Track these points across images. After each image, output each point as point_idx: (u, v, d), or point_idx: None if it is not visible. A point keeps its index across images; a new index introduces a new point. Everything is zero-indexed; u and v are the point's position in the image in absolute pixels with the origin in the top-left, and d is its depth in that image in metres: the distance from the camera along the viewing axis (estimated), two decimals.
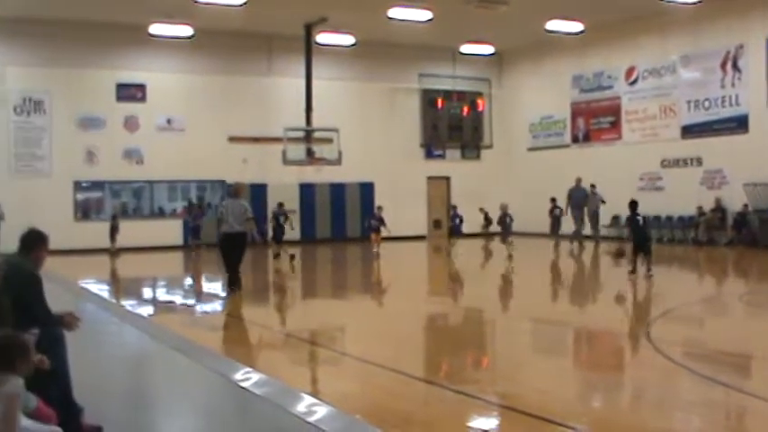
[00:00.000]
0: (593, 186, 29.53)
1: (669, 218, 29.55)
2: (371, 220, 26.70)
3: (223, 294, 16.73)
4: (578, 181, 28.15)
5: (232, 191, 17.33)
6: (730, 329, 12.12)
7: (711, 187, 28.04)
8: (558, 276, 21.36)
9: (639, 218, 18.46)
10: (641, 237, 18.25)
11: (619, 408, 7.72)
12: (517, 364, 9.86)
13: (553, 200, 29.36)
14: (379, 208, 27.55)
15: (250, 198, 29.49)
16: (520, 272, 21.93)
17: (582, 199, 27.81)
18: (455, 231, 27.25)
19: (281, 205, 27.27)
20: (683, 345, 10.77)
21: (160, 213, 31.31)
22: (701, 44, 28.34)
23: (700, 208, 28.12)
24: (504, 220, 26.09)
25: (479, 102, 36.61)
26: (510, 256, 23.62)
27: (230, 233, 16.14)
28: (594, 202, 29.23)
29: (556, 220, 29.05)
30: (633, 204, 18.56)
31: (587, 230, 28.97)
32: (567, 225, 29.03)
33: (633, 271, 18.06)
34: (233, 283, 16.43)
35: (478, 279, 21.14)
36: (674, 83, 29.35)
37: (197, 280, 21.52)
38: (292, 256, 24.15)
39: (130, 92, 30.81)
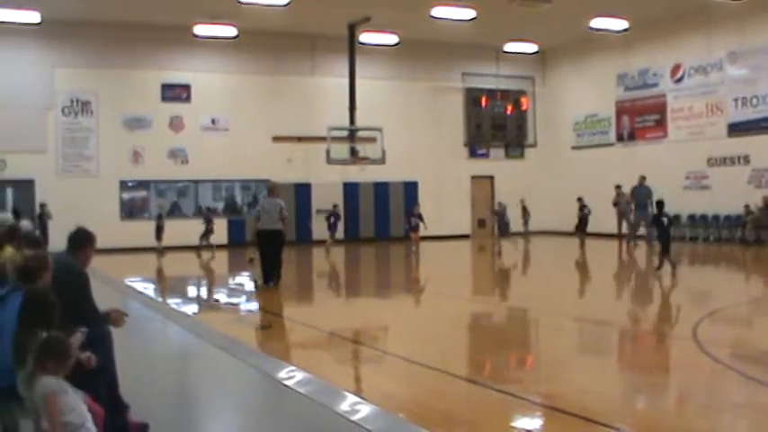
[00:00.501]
0: (618, 187, 29.16)
1: (716, 217, 29.20)
2: (411, 218, 26.74)
3: (264, 287, 17.10)
4: (642, 179, 27.29)
5: (268, 190, 18.12)
6: None
7: (759, 186, 27.64)
8: (601, 276, 21.13)
9: (664, 218, 18.64)
10: (663, 236, 18.46)
11: (664, 409, 7.61)
12: (560, 363, 9.76)
13: (580, 199, 29.89)
14: (417, 204, 27.48)
15: (294, 197, 30.02)
16: (561, 270, 21.85)
17: (646, 198, 26.85)
18: (502, 230, 27.44)
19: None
20: (731, 346, 10.59)
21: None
22: (748, 41, 27.92)
23: (747, 207, 27.72)
24: (502, 219, 26.12)
25: (523, 100, 36.66)
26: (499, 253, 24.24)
27: (265, 230, 17.05)
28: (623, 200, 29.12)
29: (584, 220, 29.46)
30: (660, 204, 19.01)
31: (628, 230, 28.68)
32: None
33: (659, 267, 18.34)
34: (269, 278, 17.21)
35: (522, 278, 21.10)
36: (721, 80, 28.96)
37: (210, 281, 21.64)
38: (251, 260, 23.80)
39: (175, 92, 31.12)
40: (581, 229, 29.44)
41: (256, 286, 17.94)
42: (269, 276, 17.30)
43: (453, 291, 17.80)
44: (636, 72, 32.38)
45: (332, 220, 29.01)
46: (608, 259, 25.29)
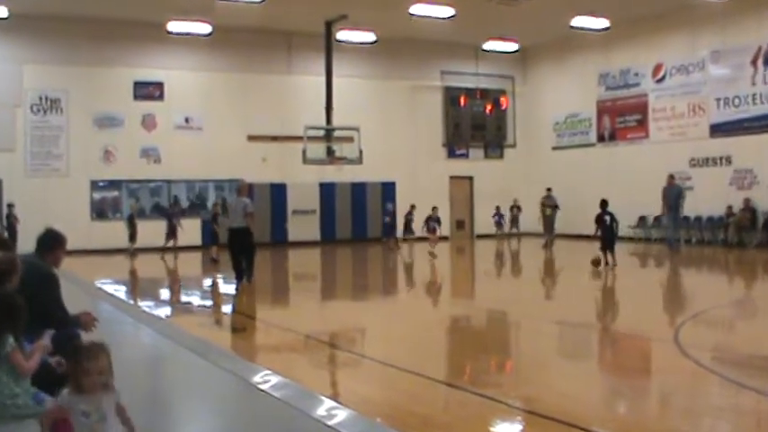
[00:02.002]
0: (548, 189, 30.84)
1: (698, 218, 29.33)
2: (429, 221, 27.19)
3: (235, 291, 17.46)
4: (671, 179, 26.79)
5: (237, 189, 18.76)
6: (761, 333, 11.96)
7: (741, 187, 27.78)
8: (589, 278, 21.15)
9: (607, 217, 20.64)
10: (607, 234, 20.51)
11: (645, 413, 7.61)
12: (540, 366, 9.78)
13: (515, 200, 33.71)
14: (435, 208, 27.73)
15: (270, 198, 30.67)
16: (541, 272, 21.85)
17: (676, 199, 26.25)
18: (387, 232, 29.08)
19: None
20: (712, 349, 10.61)
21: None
22: (731, 40, 28.06)
23: (729, 208, 27.86)
24: (384, 221, 27.07)
25: (503, 100, 36.85)
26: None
27: (232, 228, 17.94)
28: (551, 202, 30.57)
29: (514, 220, 33.58)
30: (604, 203, 20.87)
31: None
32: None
33: (598, 263, 20.27)
34: (240, 276, 17.96)
35: (503, 280, 21.24)
36: (703, 80, 29.10)
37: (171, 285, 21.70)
38: (213, 260, 24.53)
39: (148, 90, 30.98)
40: (509, 229, 32.55)
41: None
42: (240, 274, 17.98)
43: (431, 293, 17.94)
44: (617, 71, 32.53)
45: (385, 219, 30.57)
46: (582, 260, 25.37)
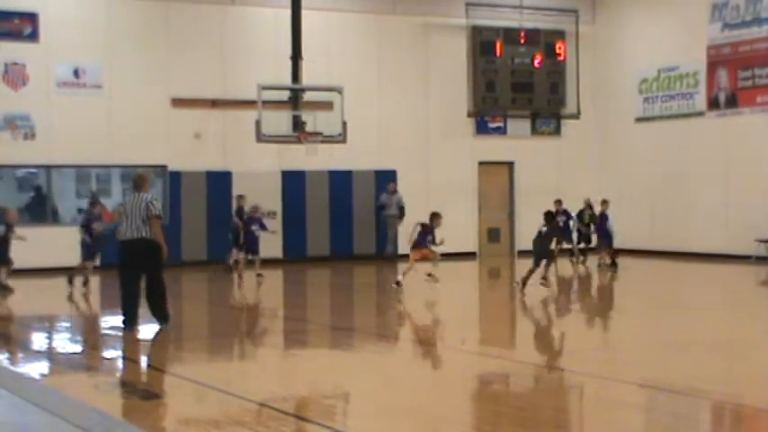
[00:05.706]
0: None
1: None
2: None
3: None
4: None
5: (134, 182, 18.75)
6: None
7: None
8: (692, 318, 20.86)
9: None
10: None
11: None
12: None
13: (558, 202, 31.75)
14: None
15: (206, 193, 32.55)
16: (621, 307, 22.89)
17: None
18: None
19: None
20: None
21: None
22: None
23: None
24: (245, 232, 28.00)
25: (560, 46, 37.11)
26: None
27: (127, 241, 17.74)
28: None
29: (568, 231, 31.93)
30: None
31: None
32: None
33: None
34: (132, 317, 17.73)
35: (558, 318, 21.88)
36: None
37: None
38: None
39: (13, 25, 30.62)
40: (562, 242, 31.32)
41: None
42: (131, 314, 17.74)
43: (448, 339, 18.31)
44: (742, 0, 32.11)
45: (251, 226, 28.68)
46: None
